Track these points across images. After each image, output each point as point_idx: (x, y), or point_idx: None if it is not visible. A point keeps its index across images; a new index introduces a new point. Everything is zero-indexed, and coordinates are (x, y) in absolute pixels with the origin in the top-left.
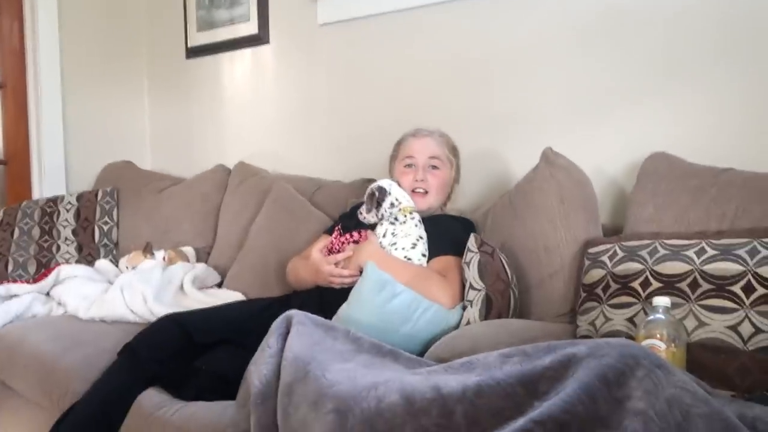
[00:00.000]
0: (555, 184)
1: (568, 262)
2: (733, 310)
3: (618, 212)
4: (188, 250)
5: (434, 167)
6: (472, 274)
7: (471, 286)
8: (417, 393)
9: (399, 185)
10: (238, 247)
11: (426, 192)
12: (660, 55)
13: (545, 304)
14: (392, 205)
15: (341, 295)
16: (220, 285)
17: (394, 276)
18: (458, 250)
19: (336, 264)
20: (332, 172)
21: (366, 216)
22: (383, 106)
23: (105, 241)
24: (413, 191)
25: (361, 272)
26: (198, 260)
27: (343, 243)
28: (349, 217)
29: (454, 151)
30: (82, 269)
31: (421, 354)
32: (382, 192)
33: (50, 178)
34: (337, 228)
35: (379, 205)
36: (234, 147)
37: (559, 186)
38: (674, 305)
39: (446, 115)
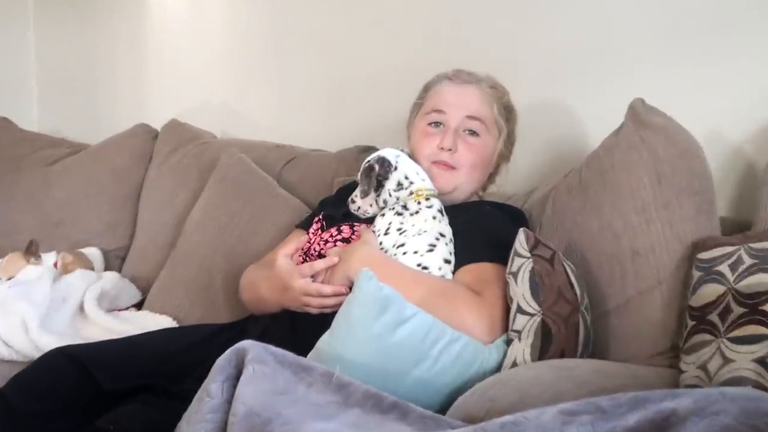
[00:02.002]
0: (648, 155)
1: (667, 273)
2: None
3: (745, 198)
4: (92, 253)
5: (471, 132)
6: (521, 290)
7: (519, 309)
8: None
9: (411, 157)
10: (168, 248)
11: (453, 167)
12: None
13: (632, 336)
14: (399, 185)
15: (323, 321)
16: (140, 305)
17: (402, 293)
18: (500, 254)
19: (313, 277)
20: (312, 136)
21: (360, 204)
22: (392, 41)
23: None
24: (433, 163)
25: (351, 288)
26: (107, 268)
27: (326, 243)
28: (336, 203)
29: (507, 112)
30: None
31: (443, 410)
32: (385, 166)
33: None
34: (317, 220)
35: (380, 185)
36: (163, 98)
37: (653, 157)
38: None
39: (485, 53)
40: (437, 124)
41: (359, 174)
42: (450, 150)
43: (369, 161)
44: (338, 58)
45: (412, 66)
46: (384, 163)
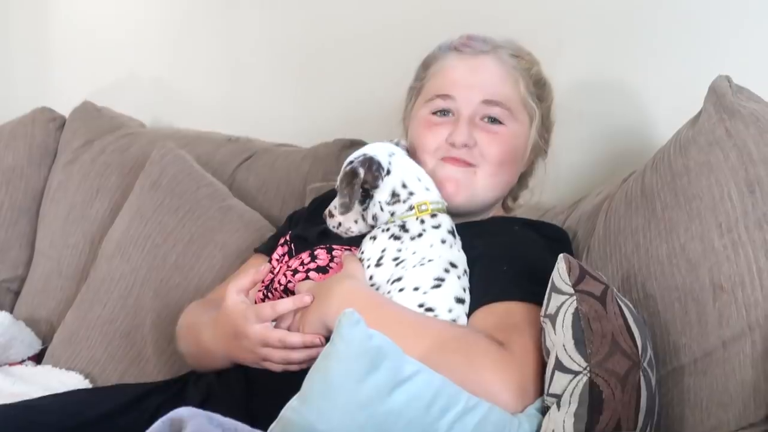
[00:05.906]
0: (736, 154)
1: (761, 315)
2: None
3: None
4: None
5: (493, 120)
6: (561, 339)
7: (559, 366)
8: None
9: (408, 154)
10: (79, 279)
11: (471, 164)
12: None
13: (713, 402)
14: (395, 197)
15: (289, 380)
16: (39, 358)
17: (400, 344)
18: (532, 290)
19: (276, 321)
20: (276, 125)
21: (341, 219)
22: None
23: None
24: (443, 159)
25: (328, 338)
26: None
27: (295, 273)
28: (309, 220)
29: (538, 87)
30: None
31: None
32: (374, 170)
33: None
34: (283, 242)
35: (367, 195)
36: (72, 73)
37: (743, 157)
38: None
39: (513, 14)
40: (444, 112)
41: (339, 178)
42: (466, 145)
43: (351, 162)
44: (311, 18)
45: (413, 28)
46: (372, 165)
